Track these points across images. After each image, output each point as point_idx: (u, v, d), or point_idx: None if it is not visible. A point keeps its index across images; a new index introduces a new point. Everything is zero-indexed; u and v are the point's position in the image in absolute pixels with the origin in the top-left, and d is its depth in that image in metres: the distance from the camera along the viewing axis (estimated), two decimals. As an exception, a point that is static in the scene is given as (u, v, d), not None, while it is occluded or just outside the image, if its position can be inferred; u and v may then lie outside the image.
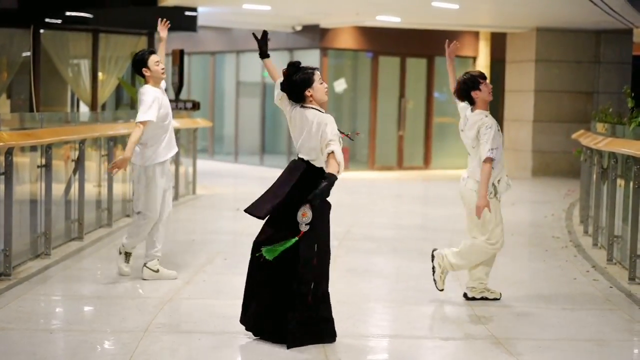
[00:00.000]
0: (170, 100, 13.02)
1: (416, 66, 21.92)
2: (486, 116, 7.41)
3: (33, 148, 8.84)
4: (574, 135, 12.74)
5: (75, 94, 17.40)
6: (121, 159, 7.78)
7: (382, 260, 9.69)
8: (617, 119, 11.23)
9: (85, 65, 17.30)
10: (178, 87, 15.38)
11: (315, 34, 20.63)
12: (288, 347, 5.96)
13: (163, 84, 8.20)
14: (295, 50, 21.28)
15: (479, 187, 7.25)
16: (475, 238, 7.48)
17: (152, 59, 8.02)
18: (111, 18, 16.91)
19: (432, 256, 7.68)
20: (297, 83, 6.24)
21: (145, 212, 8.04)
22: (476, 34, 22.10)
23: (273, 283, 6.08)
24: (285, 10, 18.55)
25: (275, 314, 6.06)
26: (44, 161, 8.91)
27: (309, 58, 20.53)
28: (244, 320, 6.21)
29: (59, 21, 16.40)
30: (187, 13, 17.27)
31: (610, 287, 8.28)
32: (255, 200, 6.22)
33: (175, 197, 13.64)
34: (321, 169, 6.08)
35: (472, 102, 7.51)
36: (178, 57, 15.58)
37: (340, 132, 6.12)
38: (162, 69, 8.09)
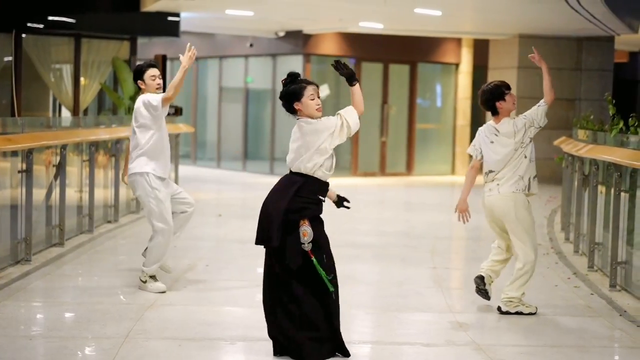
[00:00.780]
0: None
1: (399, 72, 21.95)
2: (516, 117, 7.53)
3: (14, 153, 8.79)
4: (555, 142, 12.79)
5: (57, 99, 17.34)
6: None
7: (365, 266, 9.69)
8: (599, 126, 11.27)
9: (67, 70, 17.25)
10: (161, 92, 15.35)
11: (298, 40, 20.64)
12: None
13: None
14: (278, 56, 21.28)
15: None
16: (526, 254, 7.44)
17: (149, 73, 7.96)
18: (94, 23, 16.86)
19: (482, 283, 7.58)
20: (286, 94, 6.09)
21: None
22: (459, 41, 22.17)
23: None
24: (268, 16, 18.54)
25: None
26: (24, 166, 8.86)
27: (292, 64, 20.54)
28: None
29: (41, 26, 16.35)
30: (169, 18, 17.25)
31: (591, 294, 8.30)
32: (259, 229, 6.05)
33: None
34: (316, 178, 6.04)
35: (494, 113, 7.53)
36: (161, 63, 15.55)
37: None
38: (158, 84, 8.02)
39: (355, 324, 7.14)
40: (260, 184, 18.55)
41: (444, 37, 21.82)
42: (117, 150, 12.13)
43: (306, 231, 5.87)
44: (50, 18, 16.34)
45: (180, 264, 9.20)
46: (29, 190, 8.89)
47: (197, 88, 24.06)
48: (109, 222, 11.84)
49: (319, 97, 6.19)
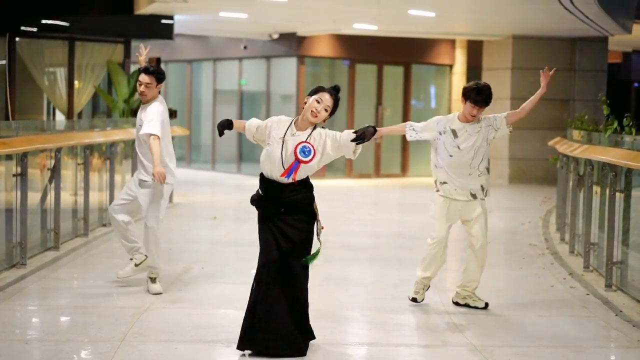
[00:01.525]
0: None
1: (393, 74, 21.96)
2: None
3: (8, 157, 8.78)
4: (550, 143, 12.80)
5: (51, 102, 17.31)
6: (159, 172, 7.63)
7: (360, 268, 9.69)
8: (593, 126, 11.29)
9: (61, 73, 17.22)
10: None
11: (292, 42, 20.63)
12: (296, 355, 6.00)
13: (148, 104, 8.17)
14: (272, 58, 21.27)
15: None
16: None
17: (140, 78, 8.12)
18: (87, 26, 16.84)
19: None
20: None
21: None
22: (452, 42, 22.18)
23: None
24: (262, 18, 18.54)
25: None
26: (19, 170, 8.84)
27: (286, 66, 20.54)
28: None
29: (35, 29, 16.32)
30: (163, 21, 17.23)
31: (587, 294, 8.31)
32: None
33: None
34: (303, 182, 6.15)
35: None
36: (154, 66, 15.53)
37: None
38: (141, 92, 8.08)
39: (351, 326, 7.14)
40: (254, 187, 18.47)
41: (437, 39, 21.83)
42: (111, 153, 12.11)
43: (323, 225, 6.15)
44: (44, 21, 16.32)
45: (176, 266, 9.18)
46: (23, 194, 8.87)
47: (192, 90, 24.05)
48: (104, 225, 11.82)
49: (325, 110, 6.21)
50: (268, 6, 16.29)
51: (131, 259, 8.21)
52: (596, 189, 9.59)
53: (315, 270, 8.81)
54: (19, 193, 8.87)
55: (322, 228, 6.14)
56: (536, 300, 8.07)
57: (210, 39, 22.91)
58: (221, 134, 6.34)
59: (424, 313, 7.48)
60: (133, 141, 8.20)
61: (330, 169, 20.58)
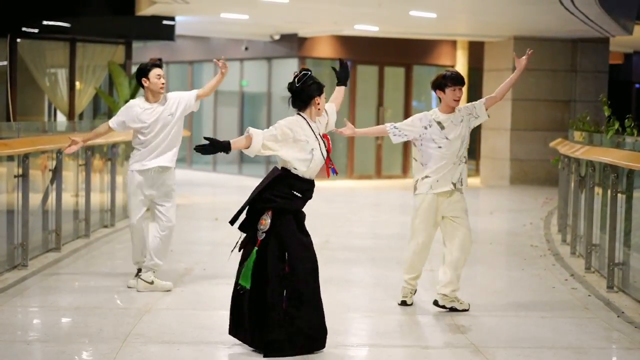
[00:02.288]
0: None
1: (394, 75, 21.96)
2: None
3: (10, 158, 8.78)
4: (551, 144, 12.80)
5: (52, 104, 17.32)
6: (74, 140, 8.01)
7: (361, 269, 9.69)
8: (595, 127, 11.28)
9: (62, 74, 17.22)
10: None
11: (294, 43, 20.63)
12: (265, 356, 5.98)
13: (164, 98, 8.18)
14: (273, 59, 21.28)
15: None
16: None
17: (154, 72, 8.15)
18: (88, 27, 16.84)
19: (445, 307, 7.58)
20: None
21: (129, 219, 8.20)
22: (454, 43, 22.18)
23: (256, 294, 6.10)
24: (263, 20, 18.54)
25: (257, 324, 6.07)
26: (20, 171, 8.85)
27: (287, 67, 20.53)
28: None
29: (36, 30, 16.32)
30: (165, 22, 17.23)
31: (589, 295, 8.30)
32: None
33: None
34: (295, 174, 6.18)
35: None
36: (156, 67, 15.53)
37: None
38: (162, 83, 8.18)
39: (352, 327, 7.14)
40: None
41: (439, 40, 21.83)
42: (113, 155, 12.11)
43: (264, 220, 6.06)
44: (45, 22, 16.32)
45: (177, 268, 9.18)
46: (25, 195, 8.87)
47: (193, 92, 24.02)
48: (106, 226, 11.82)
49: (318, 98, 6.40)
50: (269, 7, 16.29)
51: (140, 274, 8.15)
52: (597, 190, 9.59)
53: (317, 272, 8.83)
54: (20, 194, 8.87)
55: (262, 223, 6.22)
56: (538, 301, 8.06)
57: (212, 40, 22.91)
58: (209, 152, 6.23)
59: (425, 314, 7.47)
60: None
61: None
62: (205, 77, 23.70)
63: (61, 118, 17.27)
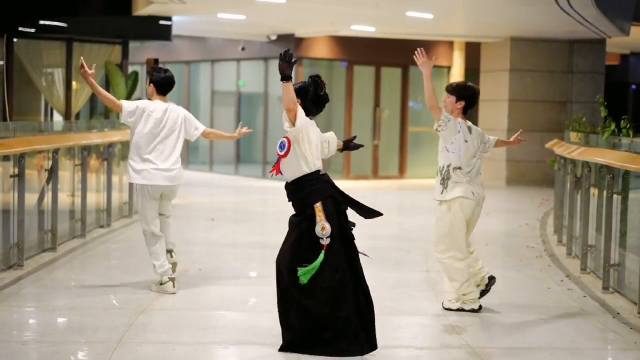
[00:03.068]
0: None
1: (391, 75, 21.96)
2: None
3: (6, 157, 8.77)
4: (548, 145, 12.80)
5: (48, 103, 17.31)
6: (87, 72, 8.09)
7: (357, 269, 9.66)
8: (591, 128, 11.29)
9: (59, 74, 17.22)
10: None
11: (290, 43, 20.63)
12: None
13: (168, 104, 8.18)
14: (270, 60, 21.28)
15: None
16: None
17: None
18: (85, 27, 16.84)
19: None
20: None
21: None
22: (450, 44, 22.19)
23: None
24: (260, 20, 18.54)
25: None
26: (16, 171, 8.84)
27: (284, 67, 20.50)
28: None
29: (33, 30, 16.32)
30: (161, 22, 17.23)
31: (584, 296, 8.31)
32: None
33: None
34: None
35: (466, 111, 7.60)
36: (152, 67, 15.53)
37: None
38: None
39: (348, 328, 7.13)
40: (252, 188, 18.54)
41: (435, 40, 21.83)
42: (109, 155, 12.11)
43: (325, 226, 6.16)
44: (42, 22, 16.31)
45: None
46: (21, 195, 8.86)
47: (189, 92, 24.04)
48: (102, 226, 11.81)
49: None
50: (266, 7, 16.29)
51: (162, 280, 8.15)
52: (594, 191, 9.60)
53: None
54: (16, 194, 8.86)
55: (324, 229, 6.13)
56: (533, 302, 8.07)
57: (208, 40, 22.91)
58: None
59: (422, 315, 7.48)
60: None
61: (327, 170, 20.54)
62: (202, 77, 23.69)
63: (58, 118, 17.26)
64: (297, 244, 6.11)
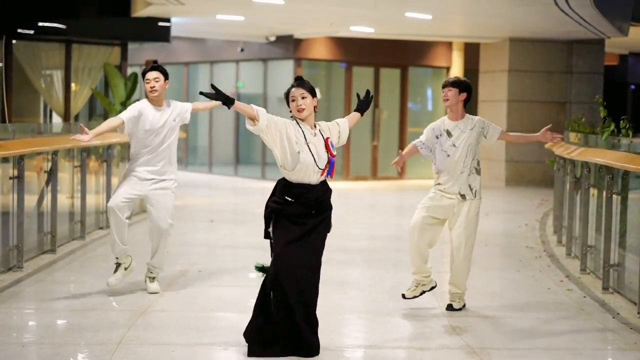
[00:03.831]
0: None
1: (390, 76, 21.97)
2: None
3: (5, 159, 8.76)
4: (547, 145, 12.80)
5: (47, 105, 17.31)
6: (83, 135, 7.73)
7: (357, 271, 9.69)
8: (590, 128, 11.29)
9: (58, 75, 17.22)
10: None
11: (289, 45, 20.63)
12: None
13: (168, 104, 8.11)
14: (269, 61, 21.28)
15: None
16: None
17: (147, 76, 8.00)
18: (84, 28, 16.84)
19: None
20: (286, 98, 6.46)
21: None
22: (449, 44, 22.20)
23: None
24: (258, 21, 18.55)
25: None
26: (16, 172, 8.84)
27: (283, 68, 20.54)
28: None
29: (32, 32, 16.32)
30: (160, 24, 17.24)
31: (584, 296, 8.31)
32: None
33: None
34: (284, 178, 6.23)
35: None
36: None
37: None
38: (151, 87, 7.98)
39: (347, 329, 7.14)
40: (251, 189, 18.54)
41: (434, 41, 21.85)
42: (108, 156, 12.11)
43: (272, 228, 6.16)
44: (40, 24, 16.31)
45: (173, 269, 9.18)
46: (20, 196, 8.86)
47: (188, 93, 24.04)
48: (101, 228, 11.81)
49: (302, 98, 6.22)
50: (265, 9, 16.29)
51: (118, 264, 8.12)
52: (593, 191, 9.60)
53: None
54: (15, 196, 8.86)
55: None
56: (533, 302, 8.07)
57: (207, 42, 22.91)
58: (216, 98, 6.38)
59: (420, 315, 7.48)
60: (129, 144, 8.16)
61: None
62: (201, 79, 23.69)
63: (57, 119, 17.26)
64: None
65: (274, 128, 6.20)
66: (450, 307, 7.62)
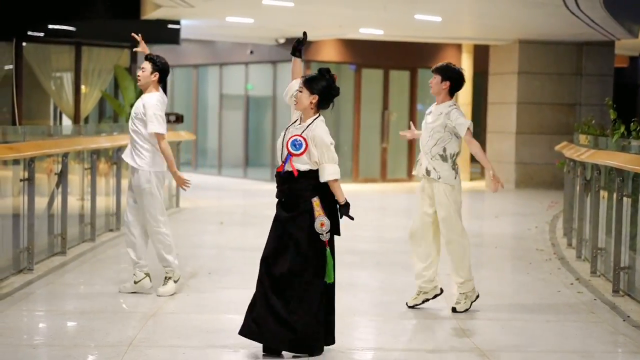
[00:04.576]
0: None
1: (399, 78, 21.96)
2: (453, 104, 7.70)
3: (15, 161, 8.79)
4: (557, 147, 12.79)
5: (57, 107, 17.34)
6: (179, 179, 7.96)
7: (366, 273, 9.68)
8: (600, 130, 11.27)
9: (67, 78, 17.26)
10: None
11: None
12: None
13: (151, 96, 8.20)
14: (278, 63, 21.29)
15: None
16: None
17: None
18: (94, 31, 16.87)
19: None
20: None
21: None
22: (459, 46, 22.18)
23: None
24: (268, 23, 18.56)
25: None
26: (26, 175, 8.86)
27: (292, 71, 20.50)
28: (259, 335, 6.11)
29: (42, 34, 16.36)
30: (170, 26, 17.26)
31: (595, 299, 8.30)
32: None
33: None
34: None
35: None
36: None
37: None
38: (137, 75, 8.22)
39: (357, 331, 7.13)
40: (261, 191, 18.53)
41: (444, 43, 21.82)
42: (118, 158, 12.12)
43: (324, 222, 6.08)
44: (50, 26, 16.35)
45: (182, 272, 9.18)
46: (31, 198, 8.88)
47: (198, 95, 24.07)
48: (111, 230, 11.83)
49: (299, 92, 6.23)
50: (274, 11, 16.30)
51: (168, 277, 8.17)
52: (603, 193, 9.58)
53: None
54: (26, 198, 8.88)
55: (322, 225, 6.06)
56: (543, 305, 8.06)
57: (217, 44, 22.93)
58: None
59: (430, 318, 7.47)
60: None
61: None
62: (210, 81, 23.71)
63: (67, 122, 17.29)
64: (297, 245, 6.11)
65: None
66: (454, 310, 7.58)
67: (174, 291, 8.05)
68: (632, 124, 9.09)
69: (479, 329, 7.09)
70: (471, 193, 19.64)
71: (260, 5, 15.74)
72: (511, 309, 7.87)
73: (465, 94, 22.15)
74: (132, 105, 15.70)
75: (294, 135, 6.13)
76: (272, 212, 6.36)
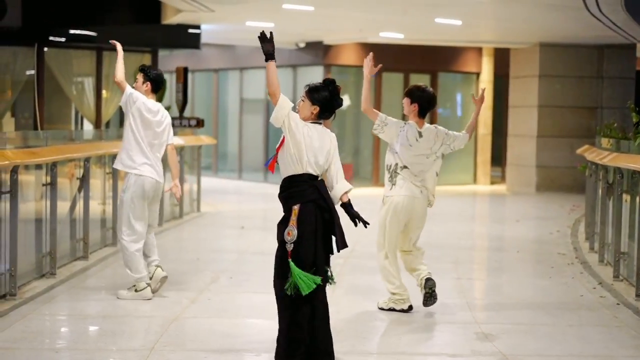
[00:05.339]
0: (174, 118, 13.11)
1: (420, 82, 21.86)
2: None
3: (38, 166, 8.83)
4: (579, 151, 12.73)
5: (79, 112, 17.42)
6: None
7: (388, 277, 9.65)
8: (622, 134, 11.21)
9: (89, 83, 17.33)
10: (182, 104, 15.40)
11: (319, 51, 20.66)
12: None
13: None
14: (298, 67, 21.32)
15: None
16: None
17: None
18: (115, 36, 16.84)
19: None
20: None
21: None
22: (479, 50, 22.13)
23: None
24: (288, 27, 18.58)
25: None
26: (48, 179, 8.90)
27: (313, 75, 20.54)
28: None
29: (63, 39, 16.43)
30: (190, 31, 17.30)
31: (617, 303, 8.25)
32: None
33: (180, 214, 13.64)
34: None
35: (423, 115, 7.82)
36: (182, 75, 15.60)
37: None
38: (133, 86, 8.92)
39: (378, 335, 7.13)
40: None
41: (464, 47, 21.78)
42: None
43: (290, 231, 5.86)
44: (72, 31, 16.43)
45: (203, 276, 9.21)
46: (53, 203, 8.92)
47: (218, 100, 24.12)
48: (132, 234, 11.84)
49: (302, 100, 6.34)
50: (294, 15, 16.32)
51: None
52: (626, 197, 9.53)
53: (342, 280, 8.84)
54: (48, 202, 8.92)
55: (289, 235, 5.82)
56: (565, 309, 8.02)
57: (237, 48, 22.98)
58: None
59: (452, 322, 7.45)
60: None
61: (356, 178, 20.56)
62: (231, 85, 23.75)
63: (88, 126, 17.37)
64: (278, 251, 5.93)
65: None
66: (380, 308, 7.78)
67: (134, 298, 8.01)
68: (654, 127, 9.05)
69: (501, 334, 7.07)
70: (492, 197, 19.59)
71: (280, 10, 15.75)
72: (533, 313, 7.84)
73: (486, 97, 22.09)
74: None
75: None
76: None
